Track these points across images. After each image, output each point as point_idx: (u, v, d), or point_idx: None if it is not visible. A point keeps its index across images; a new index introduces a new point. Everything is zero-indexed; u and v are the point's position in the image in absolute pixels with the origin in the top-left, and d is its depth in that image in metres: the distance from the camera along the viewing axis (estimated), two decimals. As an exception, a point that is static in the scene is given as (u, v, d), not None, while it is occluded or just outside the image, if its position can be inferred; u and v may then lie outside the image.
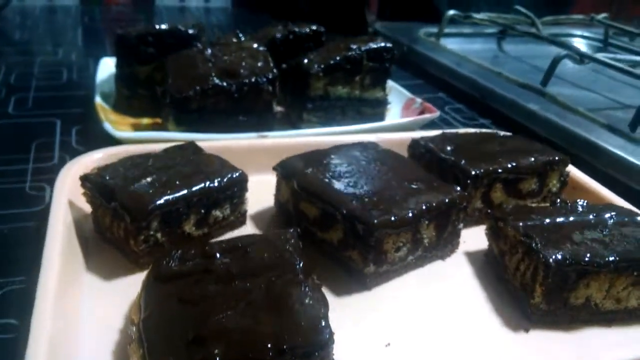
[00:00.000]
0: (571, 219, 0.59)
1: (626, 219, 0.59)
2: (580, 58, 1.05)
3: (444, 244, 0.62)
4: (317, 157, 0.65)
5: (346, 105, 0.86)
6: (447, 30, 1.44)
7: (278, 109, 0.79)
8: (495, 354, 0.50)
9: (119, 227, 0.55)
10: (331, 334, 0.41)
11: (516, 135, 0.79)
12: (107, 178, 0.57)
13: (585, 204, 0.62)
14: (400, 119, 0.88)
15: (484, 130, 0.82)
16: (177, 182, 0.57)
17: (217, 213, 0.60)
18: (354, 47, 0.84)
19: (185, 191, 0.56)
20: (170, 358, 0.39)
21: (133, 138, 0.71)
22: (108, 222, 0.57)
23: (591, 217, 0.59)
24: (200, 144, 0.71)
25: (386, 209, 0.55)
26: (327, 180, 0.60)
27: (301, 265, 0.47)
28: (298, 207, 0.62)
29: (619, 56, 1.11)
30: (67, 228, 0.56)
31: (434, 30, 1.48)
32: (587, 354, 0.51)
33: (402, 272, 0.59)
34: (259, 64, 0.78)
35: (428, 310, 0.54)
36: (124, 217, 0.54)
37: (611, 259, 0.52)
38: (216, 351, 0.38)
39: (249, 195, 0.64)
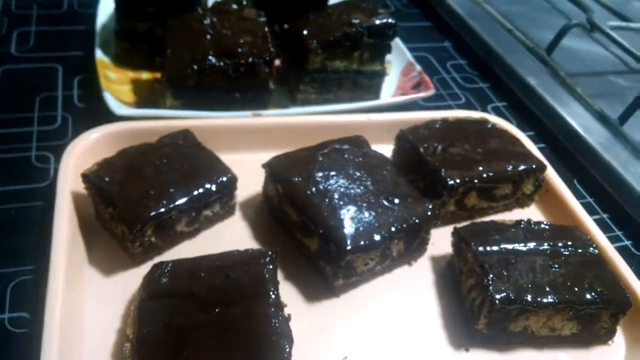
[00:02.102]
0: (529, 245, 0.64)
1: (580, 251, 0.64)
2: (591, 27, 1.03)
3: (412, 252, 0.68)
4: (304, 159, 0.69)
5: (343, 77, 0.87)
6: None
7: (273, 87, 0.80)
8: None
9: (117, 227, 0.61)
10: None
11: (505, 130, 0.81)
12: (106, 180, 0.62)
13: (547, 227, 0.67)
14: (394, 98, 0.89)
15: (474, 116, 0.84)
16: (171, 190, 0.61)
17: (207, 212, 0.66)
18: (355, 22, 0.82)
19: (178, 201, 0.61)
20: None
21: (133, 115, 0.75)
22: (107, 217, 0.63)
23: (547, 245, 0.64)
24: (196, 121, 0.75)
25: (359, 232, 0.61)
26: (309, 192, 0.64)
27: (273, 297, 0.54)
28: (282, 207, 0.67)
29: (632, 25, 1.08)
30: (71, 221, 0.62)
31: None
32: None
33: (370, 279, 0.66)
34: (257, 42, 0.78)
35: (385, 322, 0.62)
36: (120, 223, 0.59)
37: (550, 300, 0.58)
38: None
39: (239, 181, 0.68)
